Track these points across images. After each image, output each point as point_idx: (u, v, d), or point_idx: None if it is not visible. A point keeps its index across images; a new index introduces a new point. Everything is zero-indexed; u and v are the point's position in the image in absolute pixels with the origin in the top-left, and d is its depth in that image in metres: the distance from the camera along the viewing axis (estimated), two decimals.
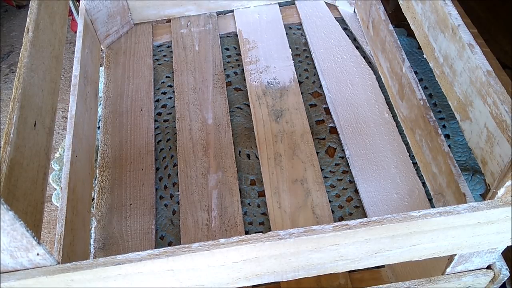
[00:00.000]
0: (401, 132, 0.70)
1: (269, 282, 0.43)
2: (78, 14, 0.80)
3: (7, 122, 0.52)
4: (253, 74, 0.79)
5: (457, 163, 0.58)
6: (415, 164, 0.66)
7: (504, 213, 0.38)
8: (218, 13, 0.89)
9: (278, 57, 0.81)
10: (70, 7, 1.22)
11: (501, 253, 0.46)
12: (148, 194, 0.66)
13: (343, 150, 0.69)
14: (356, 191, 0.65)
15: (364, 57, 0.79)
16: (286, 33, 0.84)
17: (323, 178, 0.66)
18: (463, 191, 0.53)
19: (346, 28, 0.84)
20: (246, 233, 0.62)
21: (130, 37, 0.86)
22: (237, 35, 0.86)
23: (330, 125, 0.72)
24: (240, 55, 0.82)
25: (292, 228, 0.38)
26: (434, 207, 0.61)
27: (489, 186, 0.46)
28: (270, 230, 0.49)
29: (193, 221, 0.63)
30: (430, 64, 0.59)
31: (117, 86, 0.79)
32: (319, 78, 0.78)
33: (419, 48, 0.80)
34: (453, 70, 0.53)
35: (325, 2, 0.88)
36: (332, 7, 0.88)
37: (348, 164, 0.67)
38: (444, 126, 0.71)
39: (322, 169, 0.67)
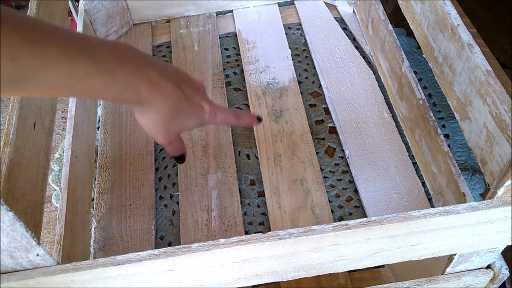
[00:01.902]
0: (400, 132, 0.70)
1: (269, 282, 0.43)
2: (77, 14, 0.80)
3: (6, 122, 0.52)
4: (253, 74, 0.79)
5: (457, 162, 0.58)
6: (414, 164, 0.66)
7: (504, 212, 0.38)
8: (218, 13, 0.89)
9: (278, 57, 0.81)
10: (69, 7, 1.22)
11: (501, 253, 0.46)
12: (147, 195, 0.66)
13: (342, 150, 0.69)
14: (356, 191, 0.65)
15: (363, 57, 0.79)
16: (286, 33, 0.85)
17: (322, 178, 0.66)
18: (462, 190, 0.53)
19: (345, 28, 0.84)
20: (246, 233, 0.62)
21: (130, 38, 0.86)
22: (236, 35, 0.86)
23: (329, 125, 0.72)
24: (240, 55, 0.82)
25: (292, 228, 0.38)
26: (434, 206, 0.61)
27: (489, 186, 0.46)
28: (270, 230, 0.49)
29: (193, 221, 0.63)
30: (430, 64, 0.59)
31: None
32: (318, 78, 0.78)
33: (419, 48, 0.80)
34: (453, 70, 0.53)
35: (325, 2, 0.88)
36: (332, 7, 0.88)
37: (347, 164, 0.68)
38: (443, 126, 0.71)
39: (321, 169, 0.67)
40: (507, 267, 0.48)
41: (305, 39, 0.84)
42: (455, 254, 0.45)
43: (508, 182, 0.39)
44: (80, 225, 0.59)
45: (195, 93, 0.46)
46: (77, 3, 1.32)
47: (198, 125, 0.48)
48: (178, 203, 0.66)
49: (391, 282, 0.55)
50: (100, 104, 0.77)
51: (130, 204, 0.65)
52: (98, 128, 0.74)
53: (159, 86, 0.43)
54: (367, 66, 0.78)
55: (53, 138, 0.61)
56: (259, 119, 0.54)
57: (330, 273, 0.43)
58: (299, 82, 0.78)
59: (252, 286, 0.51)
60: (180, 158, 0.53)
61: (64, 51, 0.35)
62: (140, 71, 0.41)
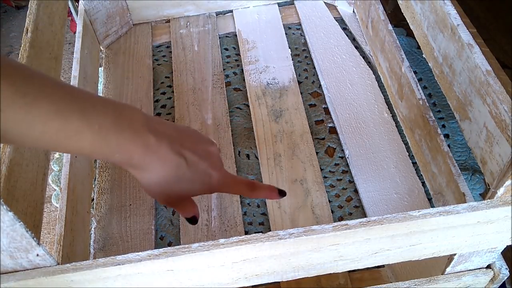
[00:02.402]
0: (400, 132, 0.70)
1: (269, 282, 0.43)
2: (77, 14, 0.80)
3: None
4: (253, 74, 0.79)
5: (457, 162, 0.58)
6: (414, 163, 0.66)
7: (504, 212, 0.38)
8: (217, 13, 0.89)
9: (278, 57, 0.81)
10: (69, 7, 1.22)
11: (501, 253, 0.46)
12: (147, 195, 0.66)
13: (342, 150, 0.69)
14: (356, 191, 0.65)
15: (363, 57, 0.79)
16: (286, 33, 0.85)
17: (322, 178, 0.66)
18: (462, 190, 0.53)
19: (345, 28, 0.84)
20: (246, 233, 0.62)
21: (129, 38, 0.86)
22: (236, 35, 0.86)
23: (329, 125, 0.72)
24: (240, 55, 0.82)
25: (292, 228, 0.38)
26: (434, 206, 0.61)
27: (489, 186, 0.46)
28: (270, 230, 0.49)
29: None
30: (430, 64, 0.59)
31: (116, 86, 0.79)
32: (318, 78, 0.78)
33: (418, 47, 0.80)
34: (453, 70, 0.53)
35: (324, 2, 0.88)
36: (331, 7, 0.88)
37: (347, 164, 0.68)
38: (443, 126, 0.71)
39: (321, 169, 0.67)
40: (507, 267, 0.48)
41: (305, 39, 0.84)
42: (455, 254, 0.45)
43: (508, 182, 0.39)
44: (80, 225, 0.59)
45: (203, 159, 0.44)
46: (77, 3, 1.32)
47: (205, 192, 0.46)
48: None
49: (391, 282, 0.55)
50: None
51: (130, 204, 0.65)
52: None
53: (155, 151, 0.41)
54: (367, 66, 0.78)
55: None
56: (282, 193, 0.48)
57: (330, 273, 0.43)
58: (299, 82, 0.78)
59: (252, 286, 0.51)
60: (192, 220, 0.48)
61: (56, 107, 0.34)
62: (138, 136, 0.40)
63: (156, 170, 0.42)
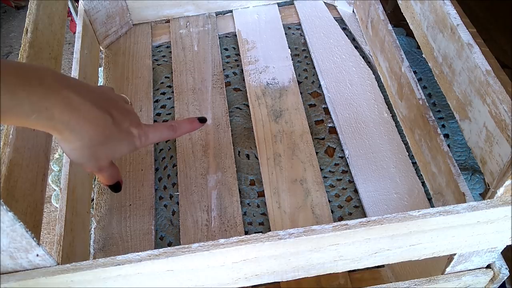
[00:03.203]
0: (400, 131, 0.70)
1: (269, 282, 0.43)
2: (77, 14, 0.80)
3: None
4: (252, 74, 0.79)
5: (457, 162, 0.58)
6: (414, 163, 0.66)
7: (504, 212, 0.38)
8: (217, 14, 0.89)
9: (277, 57, 0.81)
10: (69, 7, 1.22)
11: (501, 252, 0.46)
12: (147, 195, 0.66)
13: (342, 150, 0.69)
14: (356, 191, 0.65)
15: (363, 57, 0.79)
16: (285, 33, 0.85)
17: (322, 178, 0.66)
18: (462, 190, 0.53)
19: (345, 28, 0.84)
20: (246, 233, 0.62)
21: (129, 38, 0.86)
22: (236, 35, 0.86)
23: (329, 125, 0.72)
24: (239, 55, 0.82)
25: (292, 228, 0.38)
26: (434, 206, 0.61)
27: (489, 186, 0.46)
28: (270, 230, 0.49)
29: (193, 222, 0.63)
30: (429, 64, 0.59)
31: (116, 86, 0.79)
32: (318, 78, 0.78)
33: (418, 47, 0.80)
34: (452, 70, 0.53)
35: (324, 2, 0.88)
36: (331, 7, 0.88)
37: (347, 164, 0.68)
38: (443, 126, 0.71)
39: (321, 169, 0.67)
40: (507, 267, 0.48)
41: (304, 39, 0.84)
42: (455, 254, 0.45)
43: (507, 182, 0.39)
44: (80, 226, 0.59)
45: (125, 118, 0.44)
46: (76, 3, 1.32)
47: (130, 151, 0.46)
48: (178, 203, 0.66)
49: (391, 282, 0.55)
50: None
51: (130, 204, 0.65)
52: None
53: (81, 110, 0.39)
54: (367, 66, 0.78)
55: (53, 138, 0.61)
56: (202, 120, 0.50)
57: (330, 273, 0.43)
58: (299, 82, 0.78)
59: (252, 286, 0.51)
60: (115, 187, 0.48)
61: None
62: (53, 92, 0.38)
63: (82, 130, 0.40)
